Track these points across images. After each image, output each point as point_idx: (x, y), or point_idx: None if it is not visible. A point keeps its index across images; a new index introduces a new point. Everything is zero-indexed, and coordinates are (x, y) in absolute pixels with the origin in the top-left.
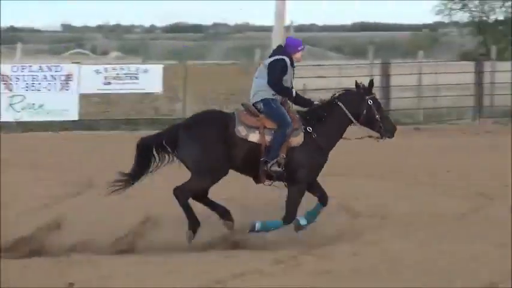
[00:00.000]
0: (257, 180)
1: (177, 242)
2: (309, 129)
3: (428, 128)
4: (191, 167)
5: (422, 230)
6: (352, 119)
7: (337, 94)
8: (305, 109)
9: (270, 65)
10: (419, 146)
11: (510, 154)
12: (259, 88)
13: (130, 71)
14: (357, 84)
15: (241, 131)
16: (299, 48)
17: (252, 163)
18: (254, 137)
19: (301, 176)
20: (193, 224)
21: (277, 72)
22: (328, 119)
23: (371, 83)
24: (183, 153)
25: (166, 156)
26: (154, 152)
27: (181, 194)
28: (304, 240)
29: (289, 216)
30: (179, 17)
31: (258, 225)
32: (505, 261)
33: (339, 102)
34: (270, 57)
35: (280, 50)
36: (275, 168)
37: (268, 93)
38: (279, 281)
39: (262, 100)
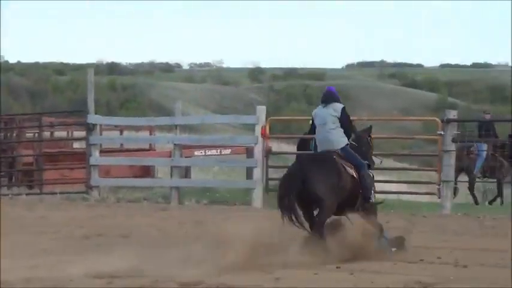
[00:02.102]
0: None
1: None
2: None
3: None
4: (325, 197)
5: None
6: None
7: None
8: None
9: (343, 115)
10: None
11: None
12: (339, 136)
13: None
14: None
15: (348, 168)
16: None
17: (354, 195)
18: (354, 173)
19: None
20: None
21: (350, 121)
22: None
23: (371, 126)
24: (314, 185)
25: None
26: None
27: (320, 226)
28: None
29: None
30: None
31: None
32: None
33: (352, 142)
34: (326, 105)
35: (333, 97)
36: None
37: (346, 140)
38: None
39: (342, 147)
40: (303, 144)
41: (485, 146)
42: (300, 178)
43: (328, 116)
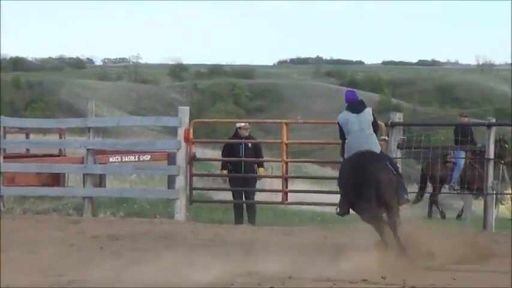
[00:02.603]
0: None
1: None
2: None
3: None
4: (386, 192)
5: None
6: None
7: None
8: None
9: (374, 117)
10: None
11: None
12: (377, 141)
13: None
14: None
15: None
16: None
17: None
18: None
19: None
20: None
21: (377, 122)
22: None
23: None
24: (379, 180)
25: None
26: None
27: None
28: None
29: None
30: None
31: None
32: None
33: None
34: (359, 111)
35: (364, 103)
36: None
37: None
38: None
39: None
40: (229, 150)
41: (463, 154)
42: (369, 184)
43: (366, 121)
